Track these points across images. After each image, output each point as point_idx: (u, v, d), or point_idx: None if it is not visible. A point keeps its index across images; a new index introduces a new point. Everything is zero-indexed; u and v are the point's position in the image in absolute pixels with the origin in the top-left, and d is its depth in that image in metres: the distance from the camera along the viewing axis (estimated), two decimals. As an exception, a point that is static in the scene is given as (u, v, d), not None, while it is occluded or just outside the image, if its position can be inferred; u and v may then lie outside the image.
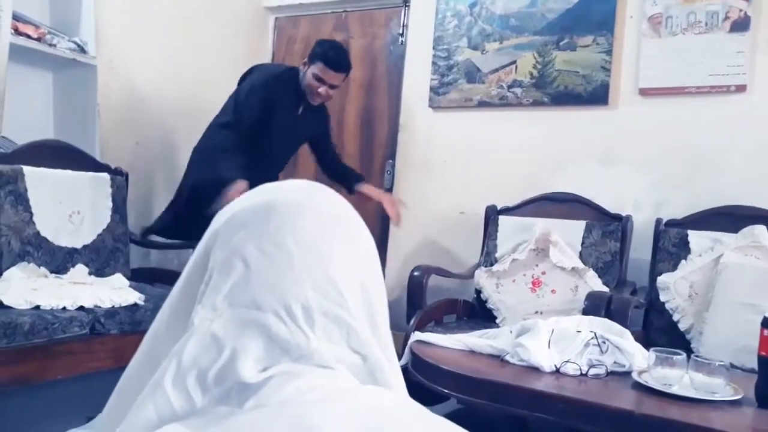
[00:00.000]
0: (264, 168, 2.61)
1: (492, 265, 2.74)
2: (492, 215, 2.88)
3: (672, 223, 2.53)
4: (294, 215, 0.66)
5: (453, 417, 2.42)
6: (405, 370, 2.22)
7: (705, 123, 2.66)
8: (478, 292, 2.73)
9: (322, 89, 2.67)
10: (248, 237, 0.64)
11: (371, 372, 0.66)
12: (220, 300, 0.63)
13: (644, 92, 2.78)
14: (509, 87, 3.11)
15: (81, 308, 2.06)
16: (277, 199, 0.67)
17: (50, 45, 2.78)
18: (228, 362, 0.60)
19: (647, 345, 1.93)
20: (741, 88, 2.58)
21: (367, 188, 2.89)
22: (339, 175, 2.92)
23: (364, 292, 0.68)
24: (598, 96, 2.87)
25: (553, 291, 2.57)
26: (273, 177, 2.61)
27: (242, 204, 0.69)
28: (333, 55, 2.65)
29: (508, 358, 1.87)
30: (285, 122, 2.76)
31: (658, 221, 2.56)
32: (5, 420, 2.08)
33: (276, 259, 0.63)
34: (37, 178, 2.44)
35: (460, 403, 2.46)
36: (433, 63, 3.33)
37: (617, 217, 2.64)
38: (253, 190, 0.70)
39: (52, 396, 2.08)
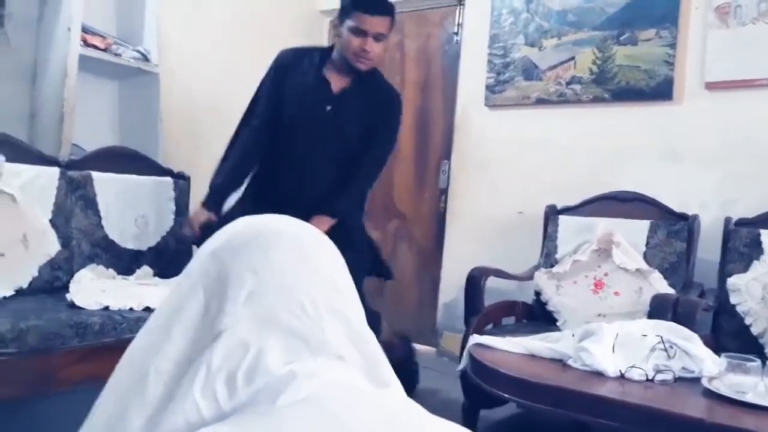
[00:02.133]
0: (291, 183, 2.23)
1: (552, 266, 2.69)
2: (552, 215, 2.83)
3: (742, 222, 2.41)
4: (286, 236, 0.78)
5: (512, 422, 2.39)
6: (464, 373, 2.21)
7: (777, 117, 2.54)
8: (538, 294, 2.68)
9: (367, 44, 2.11)
10: (252, 254, 0.75)
11: (370, 368, 0.75)
12: (239, 308, 0.71)
13: (711, 86, 2.67)
14: (568, 84, 3.04)
15: (147, 309, 2.12)
16: (267, 224, 0.80)
17: (116, 55, 2.88)
18: (255, 360, 0.68)
19: (716, 350, 1.86)
20: (817, 80, 2.45)
21: (315, 221, 2.06)
22: (331, 190, 2.23)
23: (350, 291, 0.80)
24: (661, 91, 2.77)
25: (616, 293, 2.50)
26: (307, 195, 2.22)
27: (234, 230, 0.79)
28: None
29: (570, 362, 1.83)
30: (310, 106, 2.23)
31: (728, 220, 2.45)
32: (80, 417, 2.16)
33: (281, 268, 0.74)
34: (105, 184, 2.53)
35: (520, 407, 2.42)
36: (489, 61, 3.29)
37: (683, 217, 2.55)
38: (238, 221, 0.81)
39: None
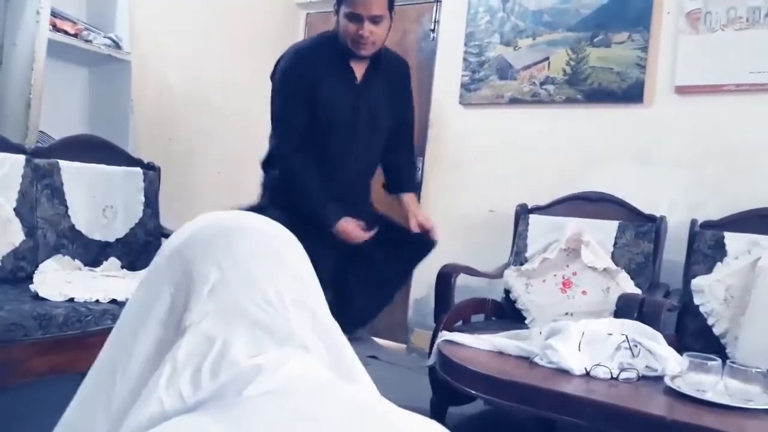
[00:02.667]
0: (344, 184, 2.18)
1: (522, 264, 2.71)
2: (522, 214, 2.85)
3: (708, 225, 2.46)
4: (250, 231, 0.78)
5: (480, 418, 2.41)
6: (431, 368, 2.22)
7: (744, 121, 2.59)
8: (507, 291, 2.71)
9: (363, 29, 2.01)
10: (216, 249, 0.75)
11: (337, 360, 0.75)
12: (203, 303, 0.71)
13: (681, 90, 2.72)
14: (542, 84, 3.07)
15: (113, 301, 2.09)
16: (229, 220, 0.80)
17: (86, 41, 2.83)
18: (220, 353, 0.67)
19: (680, 349, 1.90)
20: (783, 87, 2.50)
21: (408, 198, 2.36)
22: (394, 169, 2.36)
23: (314, 284, 0.80)
24: (632, 94, 2.82)
25: (584, 292, 2.53)
26: (360, 192, 2.30)
27: (198, 226, 0.79)
28: None
29: (537, 360, 1.85)
30: (344, 103, 2.14)
31: (694, 222, 2.50)
32: (42, 409, 2.13)
33: (245, 261, 0.74)
34: (72, 173, 2.48)
35: (487, 404, 2.45)
36: (465, 59, 3.30)
37: (651, 218, 2.59)
38: (199, 218, 0.81)
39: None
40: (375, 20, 2.04)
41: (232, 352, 0.67)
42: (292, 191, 2.13)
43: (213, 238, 0.76)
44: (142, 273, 2.49)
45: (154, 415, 0.64)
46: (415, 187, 2.25)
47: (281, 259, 0.77)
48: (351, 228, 2.11)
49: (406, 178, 2.39)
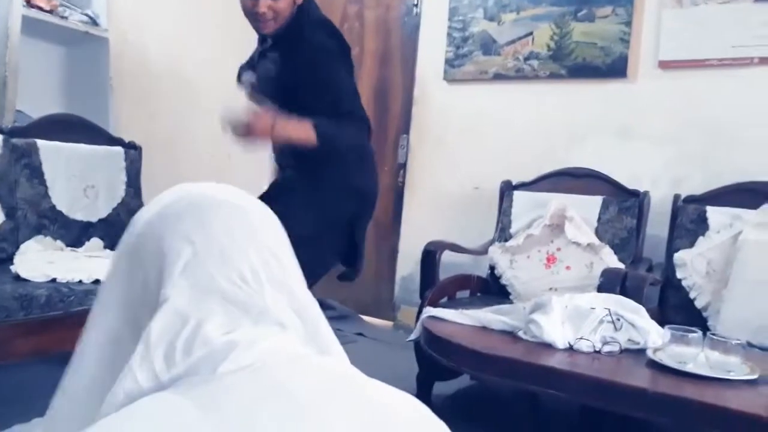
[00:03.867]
0: None
1: (506, 240, 2.72)
2: (507, 190, 2.85)
3: (690, 199, 2.48)
4: (224, 204, 0.76)
5: (466, 393, 2.43)
6: (417, 344, 2.23)
7: (726, 96, 2.60)
8: (492, 268, 2.72)
9: (258, 4, 1.79)
10: (188, 224, 0.72)
11: (313, 336, 0.74)
12: (176, 279, 0.69)
13: (664, 65, 2.72)
14: (525, 59, 3.06)
15: (96, 281, 2.06)
16: (203, 192, 0.77)
17: (62, 17, 2.76)
18: (193, 331, 0.66)
19: (663, 323, 1.92)
20: (765, 61, 2.51)
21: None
22: None
23: (291, 260, 0.78)
24: (616, 68, 2.81)
25: (567, 267, 2.55)
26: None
27: (166, 201, 0.76)
28: None
29: (520, 334, 1.86)
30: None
31: (676, 197, 2.51)
32: (25, 390, 2.12)
33: (218, 237, 0.72)
34: (51, 152, 2.44)
35: (473, 378, 2.47)
36: (449, 34, 3.27)
37: (634, 193, 2.60)
38: (172, 190, 0.78)
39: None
40: None
41: (206, 329, 0.66)
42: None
43: (185, 212, 0.74)
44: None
45: (131, 392, 0.63)
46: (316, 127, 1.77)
47: (256, 233, 0.75)
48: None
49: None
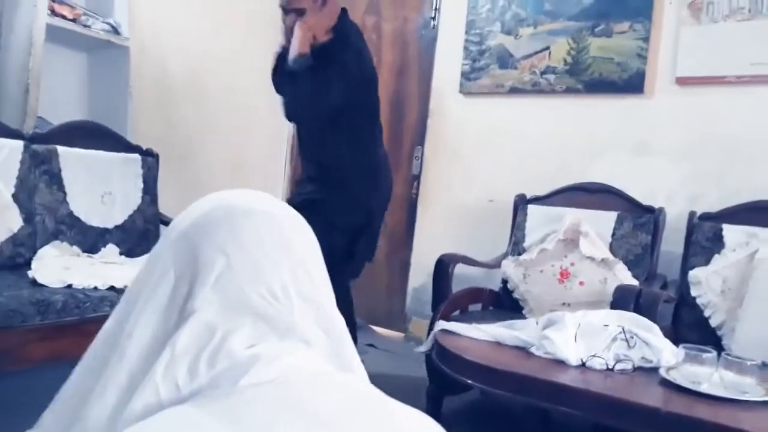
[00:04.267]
0: None
1: (520, 254, 2.71)
2: (521, 204, 2.85)
3: (706, 217, 2.46)
4: (259, 214, 0.77)
5: (476, 407, 2.41)
6: (428, 357, 2.23)
7: (744, 114, 2.58)
8: (505, 281, 2.71)
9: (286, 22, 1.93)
10: (221, 234, 0.73)
11: (336, 352, 0.75)
12: (208, 291, 0.70)
13: (681, 81, 2.71)
14: (542, 73, 3.06)
15: (112, 288, 2.09)
16: (239, 202, 0.78)
17: (85, 26, 2.81)
18: (219, 343, 0.67)
19: (676, 341, 1.90)
20: (784, 78, 2.49)
21: None
22: None
23: (321, 273, 0.79)
24: (633, 84, 2.80)
25: (581, 283, 2.53)
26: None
27: (204, 208, 0.77)
28: None
29: (533, 350, 1.85)
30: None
31: (692, 214, 2.50)
32: (41, 395, 2.14)
33: (252, 250, 0.73)
34: (70, 159, 2.48)
35: (484, 393, 2.46)
36: (465, 48, 3.28)
37: (650, 209, 2.59)
38: (207, 198, 0.79)
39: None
40: (298, 11, 1.94)
41: (231, 342, 0.67)
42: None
43: (221, 222, 0.74)
44: (140, 260, 2.50)
45: (150, 404, 0.64)
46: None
47: (289, 246, 0.76)
48: None
49: None
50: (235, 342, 0.68)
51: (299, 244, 0.78)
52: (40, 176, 2.39)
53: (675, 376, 1.65)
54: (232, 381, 0.64)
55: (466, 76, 3.28)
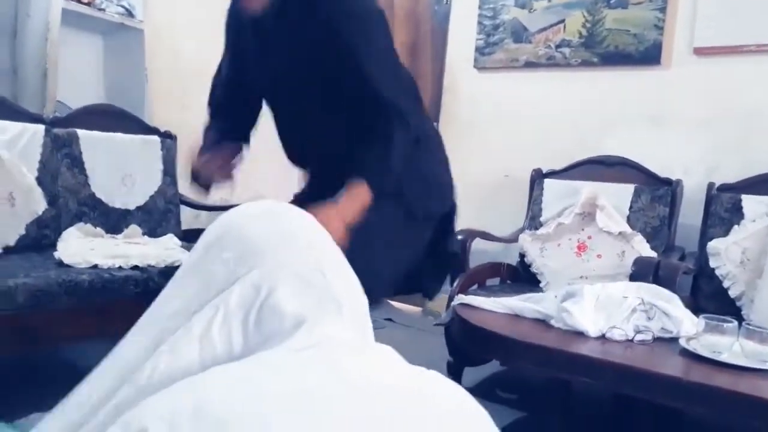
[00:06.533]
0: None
1: (537, 229, 2.72)
2: (537, 178, 2.85)
3: (725, 188, 2.45)
4: (296, 211, 0.91)
5: (496, 379, 2.44)
6: (447, 331, 2.25)
7: (763, 83, 2.55)
8: (522, 256, 2.72)
9: None
10: (269, 222, 0.85)
11: (359, 321, 0.83)
12: (256, 260, 0.80)
13: (699, 51, 2.68)
14: (557, 47, 3.03)
15: (135, 267, 2.12)
16: (276, 204, 0.92)
17: (99, 9, 2.82)
18: (265, 299, 0.75)
19: (695, 312, 1.91)
20: (804, 47, 2.46)
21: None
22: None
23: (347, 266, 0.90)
24: (650, 56, 2.78)
25: (598, 256, 2.54)
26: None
27: (252, 204, 0.90)
28: None
29: (552, 322, 1.87)
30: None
31: (710, 185, 2.49)
32: (67, 374, 2.19)
33: (292, 236, 0.84)
34: (91, 142, 2.51)
35: (503, 365, 2.48)
36: (479, 22, 3.26)
37: (667, 182, 2.58)
38: (253, 202, 0.91)
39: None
40: None
41: (277, 297, 0.75)
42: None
43: (263, 214, 0.87)
44: (162, 240, 2.53)
45: (206, 358, 0.69)
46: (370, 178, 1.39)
47: (324, 239, 0.88)
48: None
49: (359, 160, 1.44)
50: (280, 296, 0.75)
51: (328, 241, 0.89)
52: (61, 159, 2.42)
53: (695, 346, 1.66)
54: (278, 342, 0.70)
55: (480, 51, 3.26)
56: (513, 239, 2.78)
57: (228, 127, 1.72)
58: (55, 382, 2.16)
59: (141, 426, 0.56)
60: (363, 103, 1.44)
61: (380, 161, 1.42)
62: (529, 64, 3.12)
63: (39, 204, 2.25)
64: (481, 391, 2.45)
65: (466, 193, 3.30)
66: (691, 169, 2.66)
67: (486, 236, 2.70)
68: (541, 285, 2.61)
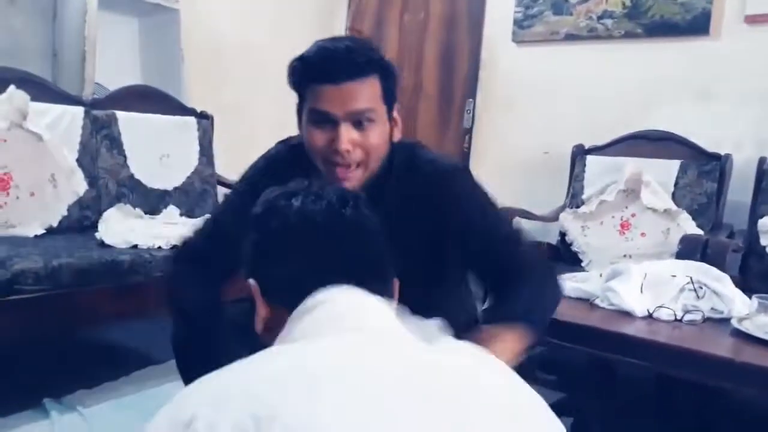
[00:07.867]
0: None
1: (578, 207, 2.66)
2: (579, 155, 2.78)
3: (778, 162, 2.35)
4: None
5: (538, 359, 2.38)
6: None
7: (820, 52, 2.44)
8: (563, 234, 2.67)
9: (339, 137, 1.13)
10: None
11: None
12: None
13: (751, 19, 2.56)
14: (599, 18, 2.93)
15: (174, 247, 2.13)
16: None
17: (135, -9, 2.83)
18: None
19: (744, 291, 1.84)
20: None
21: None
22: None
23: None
24: (698, 25, 2.66)
25: (642, 234, 2.47)
26: None
27: None
28: (317, 58, 1.19)
29: (597, 302, 1.82)
30: None
31: (762, 160, 2.39)
32: (112, 351, 2.24)
33: None
34: (129, 123, 2.53)
35: (546, 345, 2.44)
36: (517, -5, 3.18)
37: (715, 156, 2.49)
38: None
39: (152, 331, 2.21)
40: (359, 119, 1.15)
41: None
42: None
43: None
44: (200, 220, 2.54)
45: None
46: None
47: None
48: None
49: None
50: None
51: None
52: (101, 141, 2.45)
53: (748, 327, 1.59)
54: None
55: (518, 24, 3.18)
56: (553, 218, 2.72)
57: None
58: (97, 360, 2.21)
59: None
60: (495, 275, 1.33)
61: (533, 300, 1.29)
62: (570, 37, 3.03)
63: (80, 185, 2.29)
64: (520, 372, 2.42)
65: (504, 171, 3.26)
66: (741, 144, 2.56)
67: (525, 215, 2.65)
68: (582, 264, 2.55)
